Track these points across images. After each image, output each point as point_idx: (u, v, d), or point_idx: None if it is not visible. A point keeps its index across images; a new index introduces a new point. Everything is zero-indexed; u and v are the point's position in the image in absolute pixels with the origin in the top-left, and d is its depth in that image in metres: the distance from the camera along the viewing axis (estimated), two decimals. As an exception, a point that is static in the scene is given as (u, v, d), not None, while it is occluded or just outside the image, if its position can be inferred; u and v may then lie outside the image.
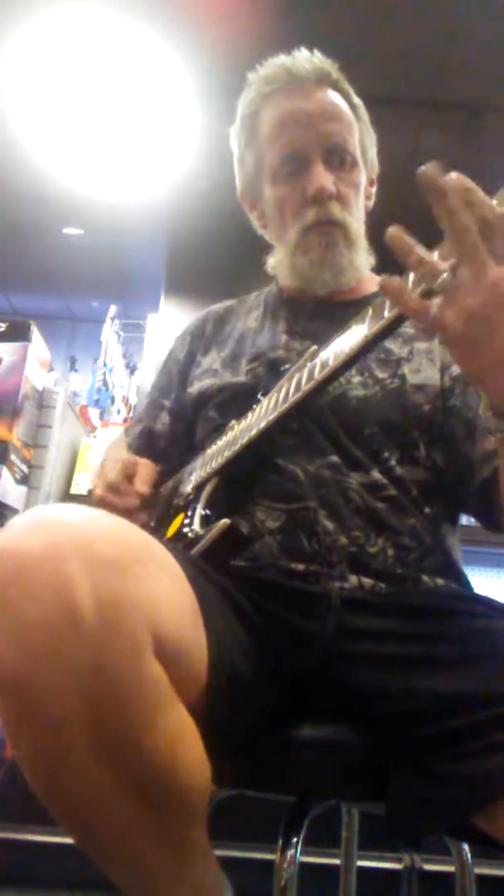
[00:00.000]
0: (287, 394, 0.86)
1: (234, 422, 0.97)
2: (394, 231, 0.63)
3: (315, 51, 1.04)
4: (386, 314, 0.73)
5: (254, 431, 0.88)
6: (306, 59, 1.03)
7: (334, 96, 1.02)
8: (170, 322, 3.51)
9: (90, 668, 0.54)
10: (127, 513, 0.94)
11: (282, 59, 1.03)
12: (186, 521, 0.88)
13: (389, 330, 0.75)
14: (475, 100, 2.78)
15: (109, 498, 0.95)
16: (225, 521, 0.80)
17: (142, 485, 0.97)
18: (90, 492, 1.00)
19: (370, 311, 0.77)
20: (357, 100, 1.06)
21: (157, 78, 2.75)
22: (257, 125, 1.05)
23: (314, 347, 0.90)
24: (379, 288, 0.67)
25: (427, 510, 0.92)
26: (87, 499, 2.18)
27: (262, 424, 0.87)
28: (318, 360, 0.84)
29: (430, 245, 0.64)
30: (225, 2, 2.44)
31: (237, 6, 2.43)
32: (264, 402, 0.91)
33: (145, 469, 0.99)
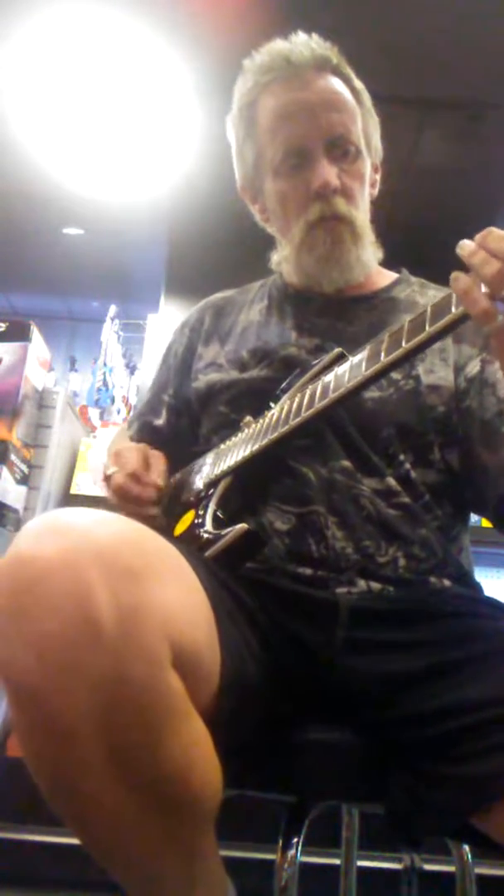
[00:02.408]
0: (313, 398, 0.83)
1: (249, 418, 0.95)
2: (462, 242, 0.67)
3: (313, 35, 1.00)
4: (427, 327, 0.72)
5: (275, 434, 0.85)
6: (304, 44, 0.98)
7: (336, 83, 0.98)
8: (170, 322, 3.50)
9: (108, 680, 0.54)
10: (143, 502, 0.93)
11: (279, 46, 0.99)
12: (198, 521, 0.87)
13: (431, 341, 0.73)
14: (475, 100, 2.77)
15: (130, 486, 0.94)
16: (242, 526, 0.79)
17: (158, 477, 0.96)
18: (108, 478, 0.97)
19: (406, 325, 0.75)
20: (359, 84, 1.02)
21: (157, 78, 2.74)
22: (256, 116, 1.01)
23: (339, 350, 0.89)
24: (452, 282, 0.68)
25: (440, 513, 0.91)
26: (87, 499, 2.18)
27: (285, 428, 0.84)
28: (348, 365, 0.82)
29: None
30: (225, 2, 2.44)
31: (237, 6, 2.43)
32: (286, 402, 0.88)
33: (159, 462, 0.98)
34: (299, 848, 0.77)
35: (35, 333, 1.95)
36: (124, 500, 0.95)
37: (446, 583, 0.88)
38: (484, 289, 0.65)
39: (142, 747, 0.56)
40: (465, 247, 0.67)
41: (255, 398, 0.97)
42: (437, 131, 2.92)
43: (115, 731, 0.55)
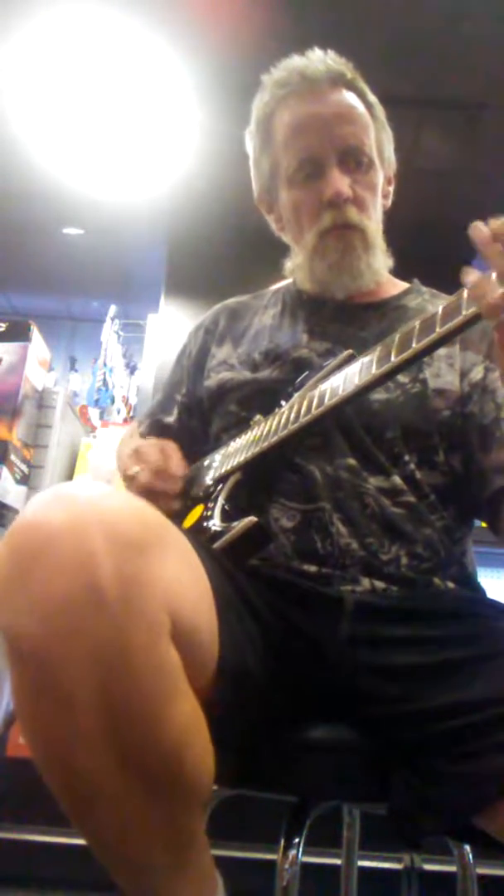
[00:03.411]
0: (323, 397, 0.84)
1: (259, 416, 0.96)
2: (477, 225, 0.64)
3: (329, 51, 1.03)
4: (438, 328, 0.72)
5: (285, 432, 0.86)
6: (320, 60, 1.01)
7: (349, 97, 1.01)
8: (170, 322, 3.50)
9: (108, 646, 0.54)
10: (169, 497, 0.94)
11: (295, 61, 1.03)
12: (207, 514, 0.88)
13: (441, 342, 0.73)
14: (475, 99, 2.77)
15: (155, 483, 0.95)
16: (251, 519, 0.80)
17: (178, 468, 0.96)
18: (130, 477, 0.98)
19: (417, 326, 0.75)
20: (373, 98, 1.05)
21: (157, 78, 2.74)
22: (272, 129, 1.04)
23: (349, 351, 0.90)
24: (463, 280, 0.67)
25: (444, 514, 0.92)
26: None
27: (294, 426, 0.85)
28: (358, 365, 0.82)
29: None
30: (225, 2, 2.44)
31: (237, 6, 2.43)
32: (296, 401, 0.89)
33: (177, 453, 0.99)
34: (300, 848, 0.77)
35: (35, 333, 1.95)
36: (150, 497, 0.95)
37: (450, 584, 0.89)
38: (494, 278, 0.65)
39: (138, 715, 0.57)
40: (479, 232, 0.65)
41: (265, 398, 0.98)
42: (436, 131, 2.92)
43: (111, 699, 0.55)
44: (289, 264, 1.10)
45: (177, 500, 0.95)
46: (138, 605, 0.56)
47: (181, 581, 0.62)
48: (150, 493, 0.95)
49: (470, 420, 0.93)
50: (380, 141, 1.05)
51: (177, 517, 0.95)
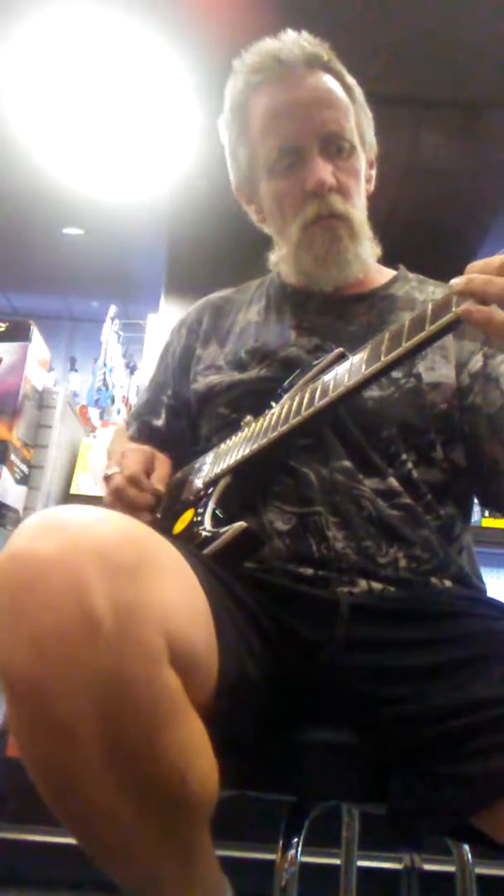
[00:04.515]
0: (314, 397, 0.83)
1: (249, 417, 0.94)
2: (461, 280, 0.68)
3: (303, 31, 0.99)
4: (427, 326, 0.71)
5: (275, 433, 0.85)
6: (294, 42, 0.98)
7: (328, 80, 0.98)
8: (170, 322, 3.49)
9: (105, 676, 0.54)
10: (138, 507, 0.93)
11: (269, 45, 0.99)
12: (197, 519, 0.87)
13: (432, 340, 0.73)
14: (475, 99, 2.77)
15: (127, 489, 0.94)
16: (241, 524, 0.79)
17: (159, 482, 0.95)
18: (107, 478, 0.97)
19: (407, 324, 0.75)
20: (351, 80, 1.01)
21: (157, 78, 2.75)
22: (248, 117, 1.01)
23: (340, 350, 0.89)
24: (463, 313, 0.69)
25: (441, 513, 0.91)
26: (87, 499, 2.18)
27: (284, 427, 0.84)
28: (348, 364, 0.81)
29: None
30: (225, 2, 2.44)
31: (237, 6, 2.43)
32: (286, 401, 0.88)
33: (164, 466, 0.98)
34: (300, 848, 0.77)
35: (35, 333, 1.95)
36: (120, 502, 0.94)
37: (447, 583, 0.88)
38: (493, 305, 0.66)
39: (139, 744, 0.56)
40: (459, 282, 0.69)
41: (254, 398, 0.96)
42: (435, 131, 2.92)
43: (112, 728, 0.55)
44: (273, 257, 1.07)
45: (145, 512, 0.93)
46: (134, 634, 0.55)
47: (177, 602, 0.61)
48: (119, 498, 0.94)
49: (473, 411, 0.91)
50: (360, 124, 1.02)
51: (165, 519, 0.94)
